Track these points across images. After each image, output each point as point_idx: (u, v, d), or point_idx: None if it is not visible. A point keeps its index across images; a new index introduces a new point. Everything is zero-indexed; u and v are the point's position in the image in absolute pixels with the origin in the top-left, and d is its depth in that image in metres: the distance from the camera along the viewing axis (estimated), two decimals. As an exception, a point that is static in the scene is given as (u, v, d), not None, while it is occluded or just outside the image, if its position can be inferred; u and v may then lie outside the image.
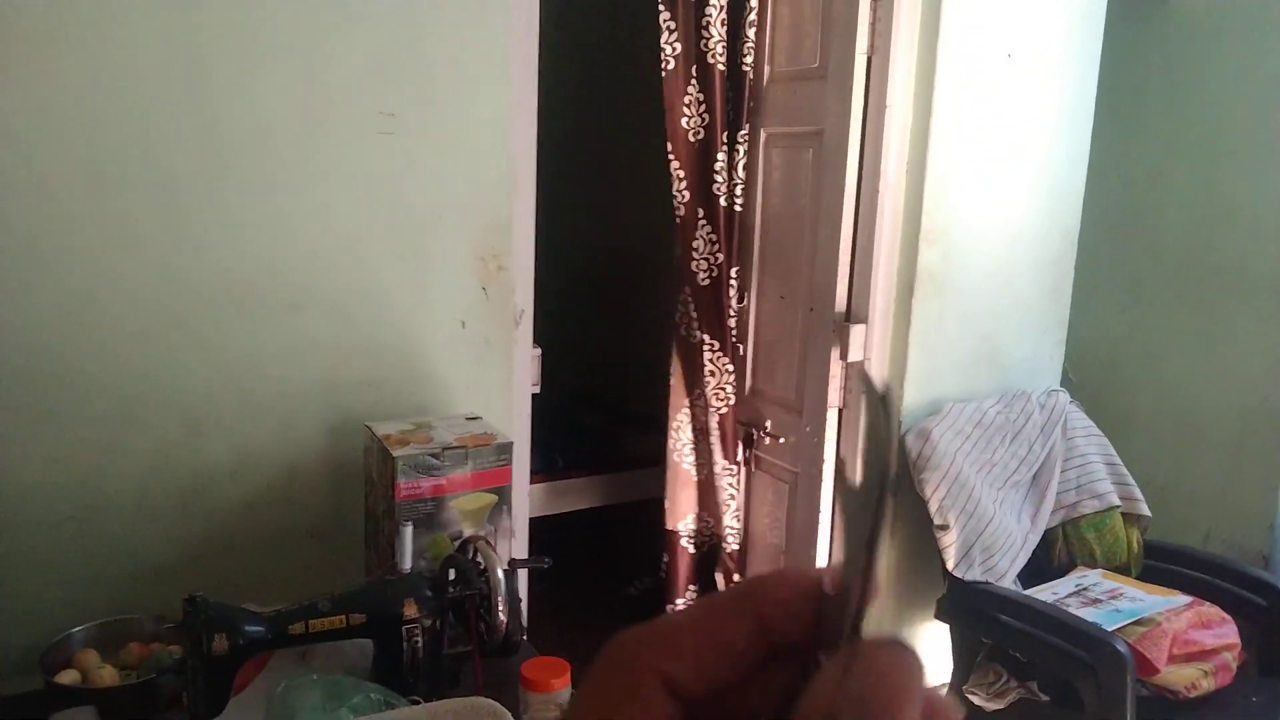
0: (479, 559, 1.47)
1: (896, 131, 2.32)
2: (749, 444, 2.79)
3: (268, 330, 1.67)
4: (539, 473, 3.17)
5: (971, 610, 2.27)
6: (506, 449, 1.63)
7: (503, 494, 1.64)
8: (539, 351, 1.99)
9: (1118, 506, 2.48)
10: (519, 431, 1.97)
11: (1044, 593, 2.28)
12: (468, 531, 1.61)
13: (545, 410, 3.54)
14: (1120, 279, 2.95)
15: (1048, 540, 2.48)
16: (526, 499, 2.04)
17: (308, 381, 1.72)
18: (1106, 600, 2.22)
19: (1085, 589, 2.30)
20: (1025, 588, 2.36)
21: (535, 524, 2.98)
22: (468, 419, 1.73)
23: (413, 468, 1.54)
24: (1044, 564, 2.46)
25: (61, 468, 1.57)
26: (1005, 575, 2.33)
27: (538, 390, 2.02)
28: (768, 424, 2.72)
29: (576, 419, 3.69)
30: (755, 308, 2.73)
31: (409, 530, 1.49)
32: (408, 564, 1.49)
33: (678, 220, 2.60)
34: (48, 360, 1.53)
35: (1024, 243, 2.55)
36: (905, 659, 0.25)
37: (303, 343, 1.70)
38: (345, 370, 1.74)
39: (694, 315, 2.69)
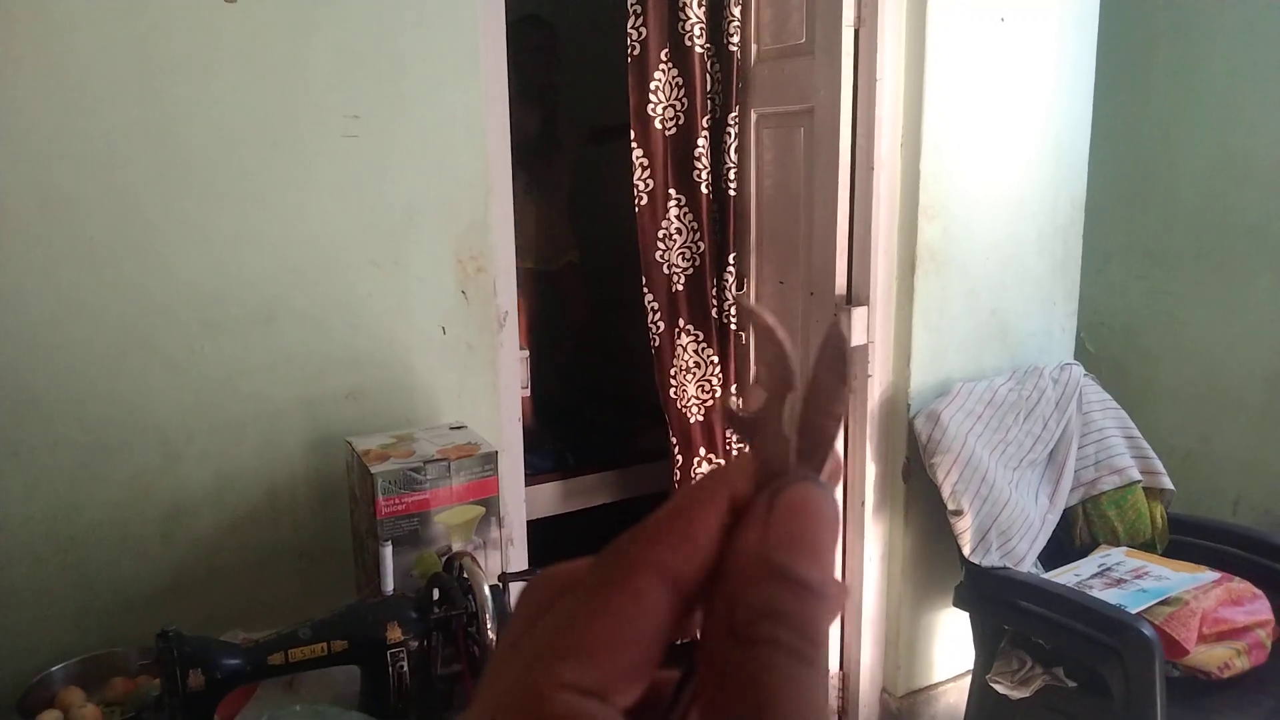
0: (465, 575, 1.41)
1: (889, 105, 2.24)
2: (755, 434, 2.71)
3: (241, 346, 1.62)
4: (549, 472, 3.13)
5: (991, 597, 2.20)
6: (491, 458, 1.57)
7: (490, 505, 1.58)
8: (526, 354, 1.94)
9: (1139, 481, 2.40)
10: (509, 437, 1.91)
11: (1066, 575, 2.21)
12: (456, 546, 1.55)
13: (555, 408, 3.54)
14: (1136, 244, 2.86)
15: (1068, 520, 2.40)
16: (523, 504, 1.98)
17: (286, 397, 1.66)
18: (1131, 580, 2.14)
19: (1109, 569, 2.22)
20: (1046, 570, 2.29)
21: (547, 524, 2.95)
22: (451, 428, 1.68)
23: (393, 484, 1.49)
24: (1065, 544, 2.38)
25: (36, 500, 1.52)
26: (1024, 559, 2.25)
27: (527, 393, 1.96)
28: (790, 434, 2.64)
29: (588, 415, 3.63)
30: (754, 294, 2.65)
31: (389, 550, 1.43)
32: (390, 585, 1.43)
33: (637, 209, 2.51)
34: (14, 389, 1.48)
35: (1028, 213, 2.47)
36: (823, 497, 0.26)
37: (278, 357, 1.65)
38: (324, 384, 1.69)
39: (657, 305, 2.57)
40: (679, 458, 2.65)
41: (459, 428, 1.68)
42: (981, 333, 2.45)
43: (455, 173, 1.73)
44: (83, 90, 1.46)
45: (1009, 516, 2.24)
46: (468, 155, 1.74)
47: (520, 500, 1.98)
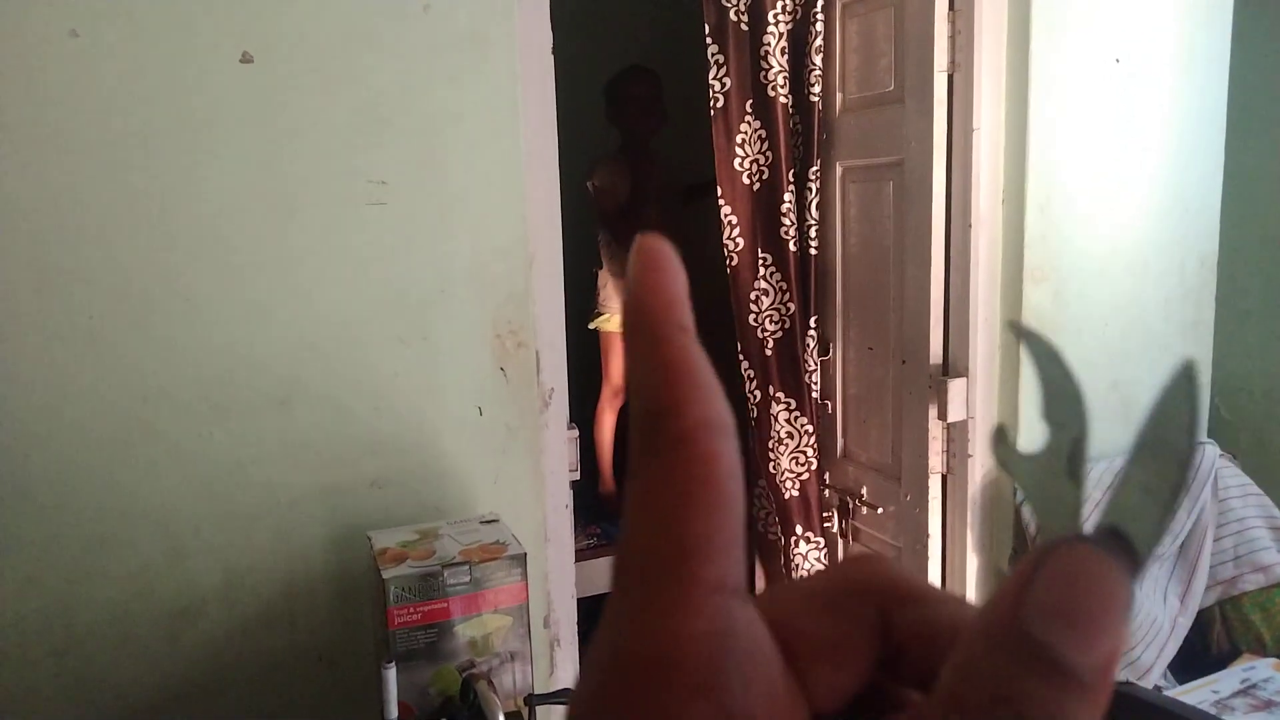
0: (480, 702, 1.23)
1: (987, 156, 2.01)
2: (844, 513, 2.48)
3: (253, 431, 1.48)
4: (607, 545, 2.96)
5: (1110, 716, 1.90)
6: (519, 561, 1.38)
7: (517, 614, 1.39)
8: (575, 433, 1.75)
9: (1288, 581, 2.08)
10: (556, 526, 1.73)
11: (1202, 692, 1.91)
12: (479, 661, 1.37)
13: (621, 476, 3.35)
14: (1274, 302, 2.54)
15: (1203, 623, 2.10)
16: (573, 601, 1.80)
17: (303, 486, 1.52)
18: (1282, 703, 1.83)
19: (1254, 686, 1.91)
20: (1179, 682, 1.99)
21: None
22: (483, 522, 1.50)
23: (407, 590, 1.32)
24: (1200, 652, 2.08)
25: (30, 598, 1.41)
26: (1152, 670, 1.96)
27: (577, 476, 1.77)
28: (864, 491, 2.41)
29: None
30: (841, 360, 2.43)
31: (392, 674, 1.25)
32: (393, 713, 1.25)
33: (729, 270, 2.34)
34: (8, 479, 1.37)
35: (1153, 274, 2.19)
36: (1109, 569, 0.20)
37: (294, 443, 1.51)
38: (345, 471, 1.54)
39: (753, 372, 2.41)
40: (780, 537, 2.45)
41: (491, 521, 1.50)
42: (1100, 408, 2.18)
43: (491, 240, 1.57)
44: (81, 158, 1.35)
45: (1134, 620, 1.95)
46: (506, 221, 1.58)
47: (570, 597, 1.79)
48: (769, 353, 2.41)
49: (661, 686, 0.20)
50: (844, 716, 0.24)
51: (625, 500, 0.22)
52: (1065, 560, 0.20)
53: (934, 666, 0.21)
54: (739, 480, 0.22)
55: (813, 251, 2.34)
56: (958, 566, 2.16)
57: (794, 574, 2.45)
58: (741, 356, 2.41)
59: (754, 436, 2.47)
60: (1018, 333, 0.25)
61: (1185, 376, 0.22)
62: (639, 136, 3.05)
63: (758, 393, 2.42)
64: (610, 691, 0.20)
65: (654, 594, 0.20)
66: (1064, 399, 0.24)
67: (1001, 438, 0.24)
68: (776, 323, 2.39)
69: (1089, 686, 0.20)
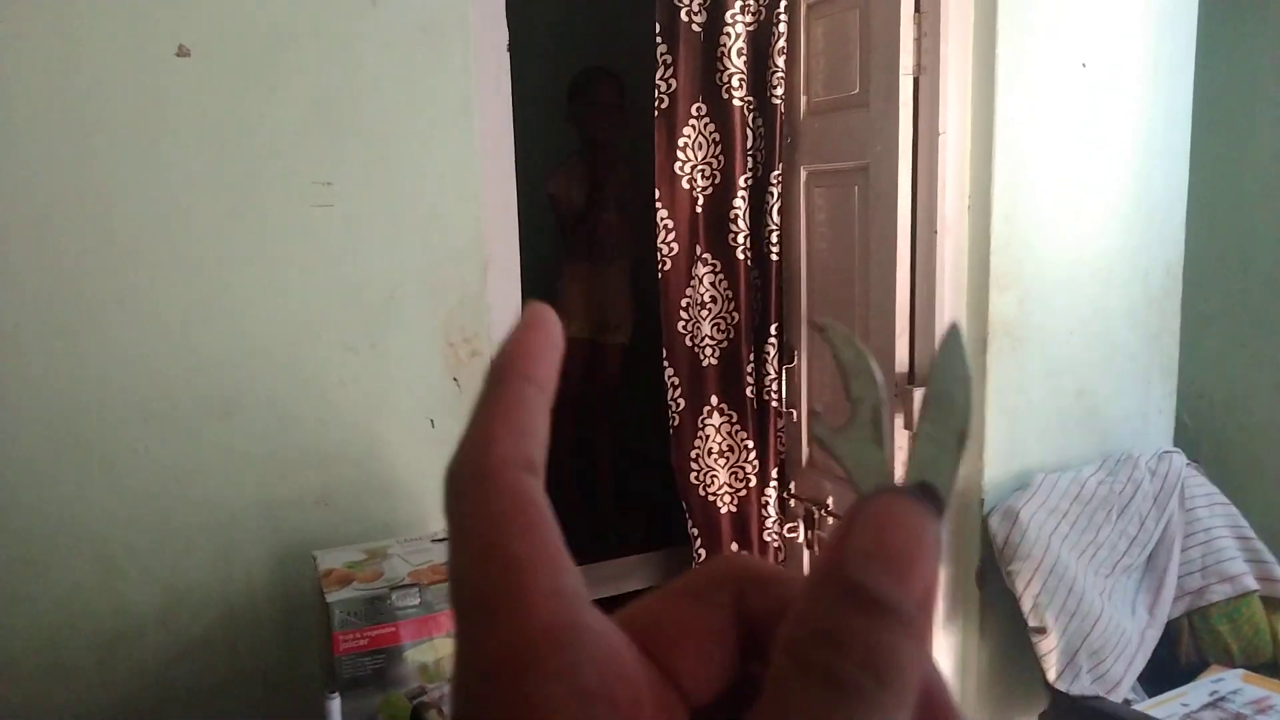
0: (431, 731, 1.17)
1: (953, 161, 1.98)
2: (810, 523, 2.43)
3: (191, 444, 1.40)
4: (579, 554, 2.90)
5: (1082, 731, 1.87)
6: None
7: (472, 636, 1.32)
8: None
9: (1255, 591, 2.06)
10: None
11: (1171, 705, 1.87)
12: (430, 687, 1.30)
13: (596, 478, 3.29)
14: (1238, 308, 2.54)
15: (1171, 635, 2.07)
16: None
17: (245, 502, 1.44)
18: (1252, 715, 1.81)
19: (1223, 699, 1.88)
20: (1148, 696, 1.96)
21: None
22: (435, 540, 1.44)
23: (353, 615, 1.25)
24: (1169, 664, 2.05)
25: (-49, 624, 1.32)
26: (1121, 683, 1.92)
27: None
28: (829, 502, 2.37)
29: (631, 486, 3.39)
30: (806, 368, 2.39)
31: (336, 704, 1.19)
32: (337, 744, 1.19)
33: (660, 275, 2.28)
34: (-75, 498, 1.29)
35: (1118, 281, 2.17)
36: (920, 513, 0.22)
37: (235, 457, 1.43)
38: (289, 486, 1.46)
39: (678, 380, 2.34)
40: (702, 552, 2.39)
41: (444, 539, 1.44)
42: (1066, 417, 2.15)
43: (445, 243, 1.51)
44: (11, 152, 1.27)
45: (1101, 633, 1.92)
46: (459, 222, 1.52)
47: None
48: (711, 362, 2.34)
49: (518, 676, 0.20)
50: (725, 709, 0.24)
51: (449, 535, 0.23)
52: (877, 509, 0.22)
53: None
54: (547, 511, 0.23)
55: (774, 258, 2.29)
56: (924, 578, 2.12)
57: None
58: (667, 365, 2.34)
59: (674, 447, 2.40)
60: (815, 326, 0.27)
61: (953, 336, 0.25)
62: (598, 140, 2.99)
63: (682, 400, 2.35)
64: (475, 695, 0.21)
65: (494, 607, 0.21)
66: (862, 377, 0.26)
67: (817, 419, 0.26)
68: (722, 331, 2.33)
69: (907, 620, 0.21)
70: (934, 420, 0.25)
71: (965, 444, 0.24)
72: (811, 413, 0.26)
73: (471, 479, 0.23)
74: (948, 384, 0.25)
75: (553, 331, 0.26)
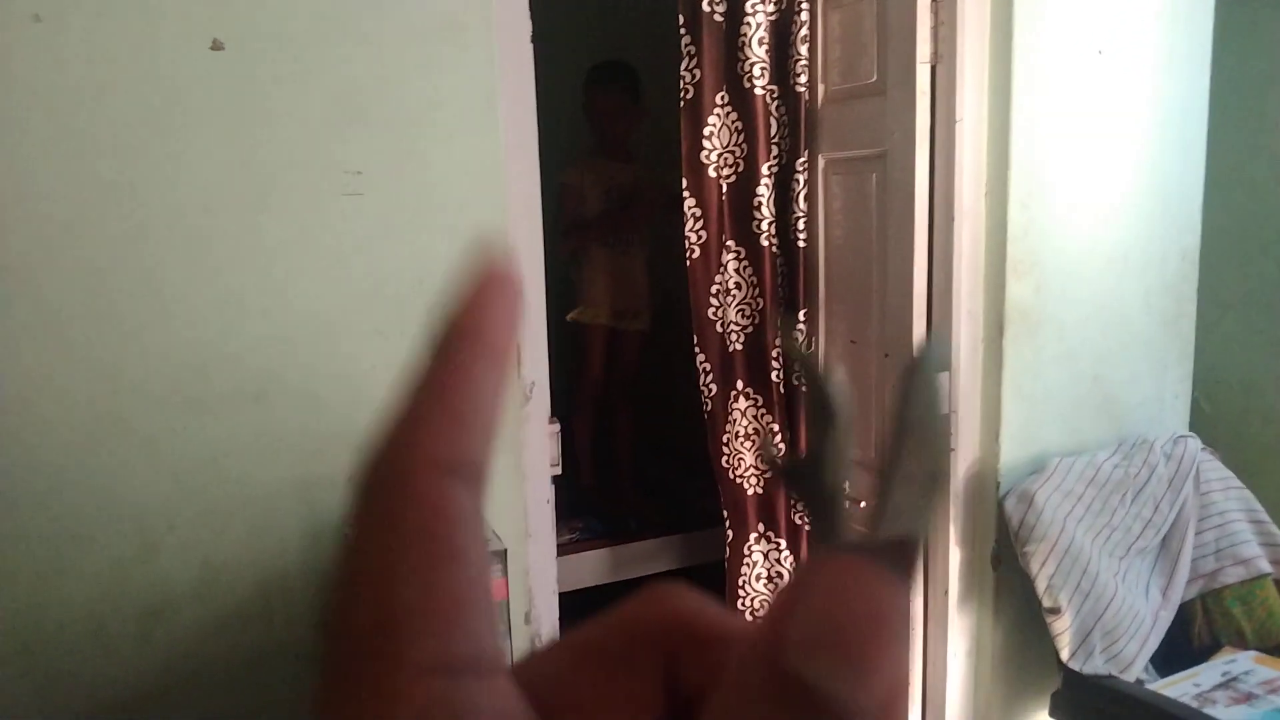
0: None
1: (970, 148, 2.00)
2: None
3: (226, 426, 1.45)
4: (603, 538, 2.95)
5: (1094, 709, 1.90)
6: (499, 557, 1.37)
7: (498, 610, 1.37)
8: (557, 427, 1.73)
9: (1268, 574, 2.08)
10: (537, 522, 1.71)
11: (1184, 684, 1.90)
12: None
13: (616, 465, 3.34)
14: (1255, 295, 2.55)
15: (1184, 617, 2.10)
16: (554, 597, 1.78)
17: (279, 481, 1.49)
18: (1264, 696, 1.84)
19: (1235, 679, 1.91)
20: (1160, 676, 1.99)
21: (603, 592, 2.77)
22: (462, 518, 1.48)
23: (383, 587, 1.30)
24: (1181, 646, 2.08)
25: (2, 595, 1.38)
26: (1133, 663, 1.95)
27: (559, 471, 1.75)
28: (846, 485, 2.40)
29: (649, 473, 3.43)
30: (823, 353, 2.42)
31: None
32: None
33: (689, 263, 2.32)
34: (-25, 476, 1.34)
35: (1134, 267, 2.19)
36: (881, 580, 0.18)
37: (269, 437, 1.48)
38: (322, 465, 1.51)
39: (709, 366, 2.38)
40: (730, 533, 2.42)
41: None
42: (1082, 401, 2.17)
43: (470, 230, 1.55)
44: (45, 148, 1.32)
45: (1115, 615, 1.95)
46: (486, 211, 1.56)
47: (551, 592, 1.77)
48: (736, 348, 2.38)
49: None
50: None
51: (340, 552, 0.19)
52: (829, 577, 0.18)
53: None
54: (473, 530, 0.19)
55: (800, 244, 2.32)
56: (941, 560, 2.16)
57: (741, 575, 2.43)
58: (699, 350, 2.39)
59: (708, 431, 2.44)
60: (790, 354, 0.25)
61: (923, 362, 0.22)
62: (613, 134, 3.02)
63: (714, 386, 2.40)
64: None
65: (355, 679, 0.18)
66: (825, 404, 0.23)
67: (767, 444, 0.23)
68: (748, 317, 2.37)
69: None
70: (903, 458, 0.22)
71: (938, 486, 0.22)
72: (766, 433, 0.23)
73: (380, 484, 0.19)
74: (917, 416, 0.22)
75: (511, 291, 0.22)
